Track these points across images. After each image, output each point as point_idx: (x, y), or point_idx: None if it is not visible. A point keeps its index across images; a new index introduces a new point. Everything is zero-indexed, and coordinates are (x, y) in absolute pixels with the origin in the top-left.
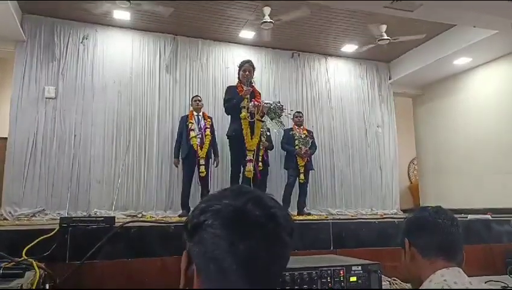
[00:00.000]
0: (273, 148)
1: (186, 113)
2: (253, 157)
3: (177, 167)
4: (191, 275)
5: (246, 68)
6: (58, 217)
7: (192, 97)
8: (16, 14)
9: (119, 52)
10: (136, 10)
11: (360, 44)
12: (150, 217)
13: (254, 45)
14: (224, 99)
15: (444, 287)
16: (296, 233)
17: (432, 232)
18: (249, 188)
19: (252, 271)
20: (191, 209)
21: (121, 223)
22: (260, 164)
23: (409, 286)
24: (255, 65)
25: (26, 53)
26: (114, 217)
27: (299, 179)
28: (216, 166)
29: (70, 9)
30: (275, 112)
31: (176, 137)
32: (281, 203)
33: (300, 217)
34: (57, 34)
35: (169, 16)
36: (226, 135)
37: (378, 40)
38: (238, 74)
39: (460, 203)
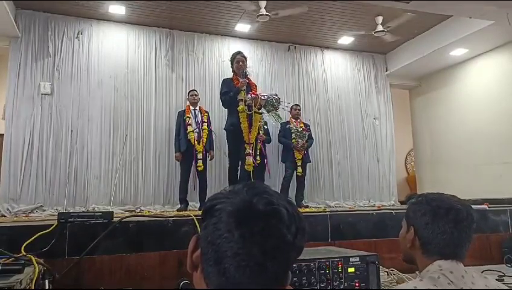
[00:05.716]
0: (270, 141)
1: (183, 108)
2: (251, 150)
3: (179, 161)
4: (196, 259)
5: (239, 59)
6: (57, 213)
7: (189, 91)
8: (9, 9)
9: (114, 46)
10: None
11: (356, 36)
12: (148, 211)
13: (250, 38)
14: (220, 93)
15: (440, 276)
16: None
17: (440, 232)
18: (263, 185)
19: (244, 262)
20: (189, 203)
21: (119, 218)
22: (258, 157)
23: (407, 276)
24: (251, 58)
25: (21, 49)
26: (112, 212)
27: (296, 172)
28: (210, 159)
29: (65, 4)
30: (272, 104)
31: (175, 132)
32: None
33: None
34: (51, 30)
35: (165, 10)
36: (224, 128)
37: (374, 33)
38: (232, 67)
39: (457, 193)
